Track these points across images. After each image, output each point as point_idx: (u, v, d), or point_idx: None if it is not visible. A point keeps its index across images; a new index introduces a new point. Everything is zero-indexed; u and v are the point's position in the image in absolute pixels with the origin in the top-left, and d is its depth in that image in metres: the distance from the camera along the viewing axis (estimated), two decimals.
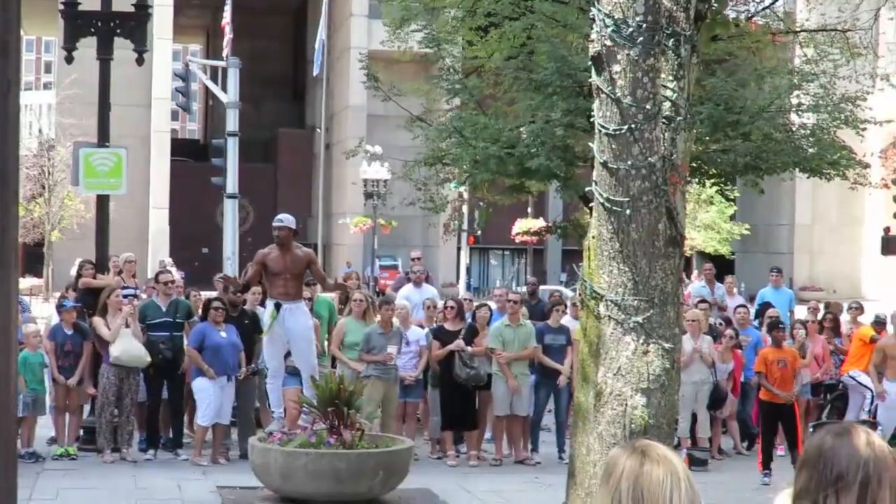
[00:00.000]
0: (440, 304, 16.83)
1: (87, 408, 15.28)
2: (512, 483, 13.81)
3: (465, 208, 39.18)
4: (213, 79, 33.48)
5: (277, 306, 13.60)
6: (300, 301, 13.99)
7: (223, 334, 14.46)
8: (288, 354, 13.87)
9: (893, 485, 3.07)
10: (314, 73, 52.03)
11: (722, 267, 42.55)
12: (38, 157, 52.06)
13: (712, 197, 47.94)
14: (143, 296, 17.02)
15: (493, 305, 17.33)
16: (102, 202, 16.48)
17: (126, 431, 14.46)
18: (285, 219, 14.01)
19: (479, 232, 46.50)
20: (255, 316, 15.26)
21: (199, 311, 15.37)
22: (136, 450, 14.57)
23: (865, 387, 15.47)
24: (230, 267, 25.16)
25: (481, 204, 28.67)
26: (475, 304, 17.15)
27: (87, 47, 16.18)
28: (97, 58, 15.94)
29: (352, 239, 51.89)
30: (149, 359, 14.32)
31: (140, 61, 16.50)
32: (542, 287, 28.84)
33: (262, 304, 15.61)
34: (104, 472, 13.67)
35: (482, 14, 21.72)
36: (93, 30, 15.78)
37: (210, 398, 14.24)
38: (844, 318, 18.55)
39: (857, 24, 23.65)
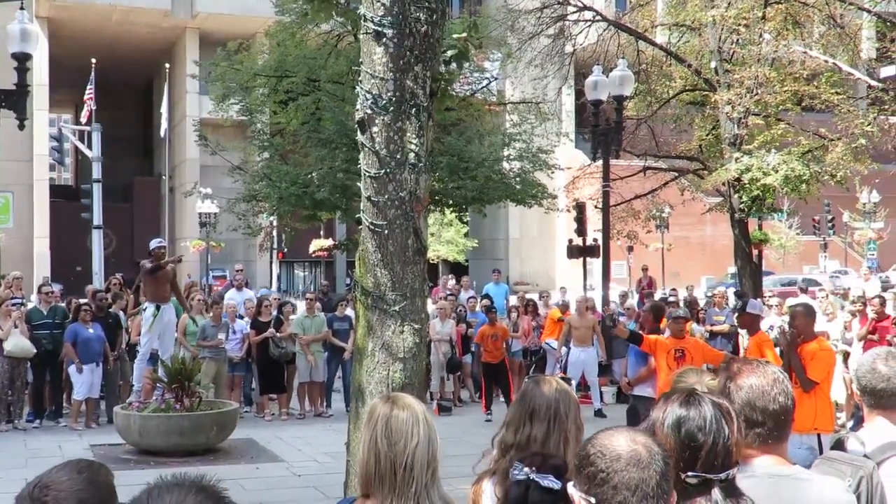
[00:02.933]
0: (255, 302, 16.55)
1: None
2: (312, 431, 13.69)
3: (274, 232, 38.62)
4: (81, 139, 31.94)
5: (157, 307, 13.39)
6: (170, 303, 13.78)
7: (91, 330, 13.91)
8: None
9: (575, 417, 3.21)
10: (161, 135, 50.53)
11: (459, 270, 43.22)
12: None
13: (451, 220, 48.67)
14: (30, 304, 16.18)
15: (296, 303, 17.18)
16: None
17: (18, 407, 13.72)
18: (162, 241, 14.34)
19: (285, 249, 45.90)
20: (117, 316, 14.78)
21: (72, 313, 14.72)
22: (25, 420, 13.81)
23: (557, 350, 15.97)
24: (98, 280, 24.16)
25: (286, 229, 28.26)
26: (281, 301, 16.88)
27: None
28: None
29: (191, 257, 50.32)
30: (35, 351, 13.65)
31: (21, 127, 15.63)
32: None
33: (125, 309, 15.22)
34: (1, 438, 12.89)
35: (283, 91, 21.56)
36: None
37: (83, 378, 13.66)
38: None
39: (546, 98, 24.45)
